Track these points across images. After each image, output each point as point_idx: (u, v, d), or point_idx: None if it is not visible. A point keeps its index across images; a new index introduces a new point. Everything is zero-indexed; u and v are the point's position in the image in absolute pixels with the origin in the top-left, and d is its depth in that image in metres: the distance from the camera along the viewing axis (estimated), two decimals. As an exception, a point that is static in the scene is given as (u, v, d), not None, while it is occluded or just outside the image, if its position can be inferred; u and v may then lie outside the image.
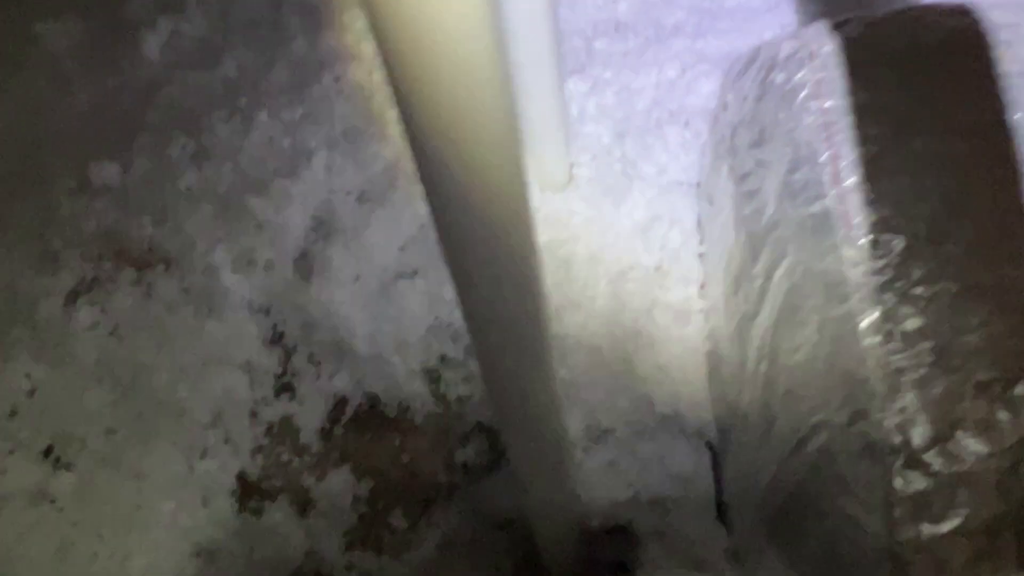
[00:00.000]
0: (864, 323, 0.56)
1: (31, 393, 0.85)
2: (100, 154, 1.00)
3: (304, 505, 0.94)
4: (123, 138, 1.02)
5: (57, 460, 0.83)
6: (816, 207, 0.61)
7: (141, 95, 1.04)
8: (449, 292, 1.02)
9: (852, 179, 0.59)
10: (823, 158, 0.61)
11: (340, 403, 1.00)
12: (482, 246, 0.39)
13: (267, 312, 1.00)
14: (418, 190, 0.85)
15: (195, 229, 0.97)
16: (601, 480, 1.00)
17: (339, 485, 0.96)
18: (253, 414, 0.93)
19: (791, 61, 0.67)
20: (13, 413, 0.84)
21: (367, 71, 1.07)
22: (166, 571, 0.79)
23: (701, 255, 0.99)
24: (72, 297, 0.92)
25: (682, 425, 0.94)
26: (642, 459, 0.97)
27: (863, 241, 0.57)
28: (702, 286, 0.98)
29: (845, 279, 0.57)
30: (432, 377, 1.04)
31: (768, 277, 0.69)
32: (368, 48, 1.07)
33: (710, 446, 0.96)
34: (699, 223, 1.01)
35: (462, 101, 0.30)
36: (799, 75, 0.65)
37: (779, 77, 0.68)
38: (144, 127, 1.02)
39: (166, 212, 0.98)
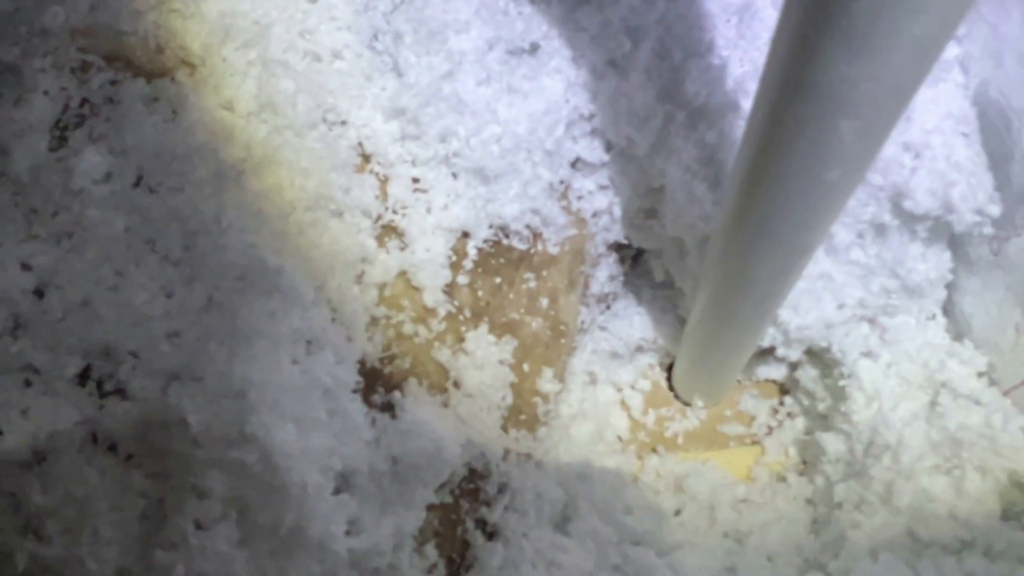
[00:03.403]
0: None
1: (38, 294, 0.53)
2: None
3: (444, 388, 0.69)
4: None
5: (100, 389, 0.54)
6: None
7: None
8: (591, 71, 0.72)
9: None
10: None
11: (461, 241, 0.72)
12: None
13: (343, 123, 0.67)
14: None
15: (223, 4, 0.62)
16: (806, 297, 0.78)
17: (480, 353, 0.71)
18: (359, 276, 0.65)
19: None
20: (15, 326, 0.53)
21: None
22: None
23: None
24: (61, 134, 0.57)
25: (939, 222, 0.71)
26: (864, 267, 0.76)
27: None
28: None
29: None
30: (564, 190, 0.77)
31: None
32: None
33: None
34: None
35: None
36: None
37: None
38: None
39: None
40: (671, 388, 1.01)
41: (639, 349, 0.98)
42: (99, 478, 0.52)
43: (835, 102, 0.39)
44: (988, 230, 0.70)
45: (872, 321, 0.81)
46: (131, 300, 0.55)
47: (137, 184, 0.58)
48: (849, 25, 0.35)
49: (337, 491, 0.58)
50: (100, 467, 0.53)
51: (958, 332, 0.80)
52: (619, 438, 0.99)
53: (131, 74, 0.62)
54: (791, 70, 0.40)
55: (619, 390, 1.00)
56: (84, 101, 0.60)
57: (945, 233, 0.74)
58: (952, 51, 0.70)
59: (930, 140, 0.68)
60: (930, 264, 0.75)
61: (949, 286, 0.79)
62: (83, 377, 0.54)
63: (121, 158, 0.58)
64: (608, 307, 0.94)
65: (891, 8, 0.34)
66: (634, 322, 0.95)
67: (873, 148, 0.44)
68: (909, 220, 0.72)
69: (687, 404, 1.00)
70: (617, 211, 0.81)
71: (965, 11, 0.35)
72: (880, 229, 0.74)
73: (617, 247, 0.87)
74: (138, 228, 0.56)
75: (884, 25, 0.34)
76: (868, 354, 0.82)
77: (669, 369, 1.01)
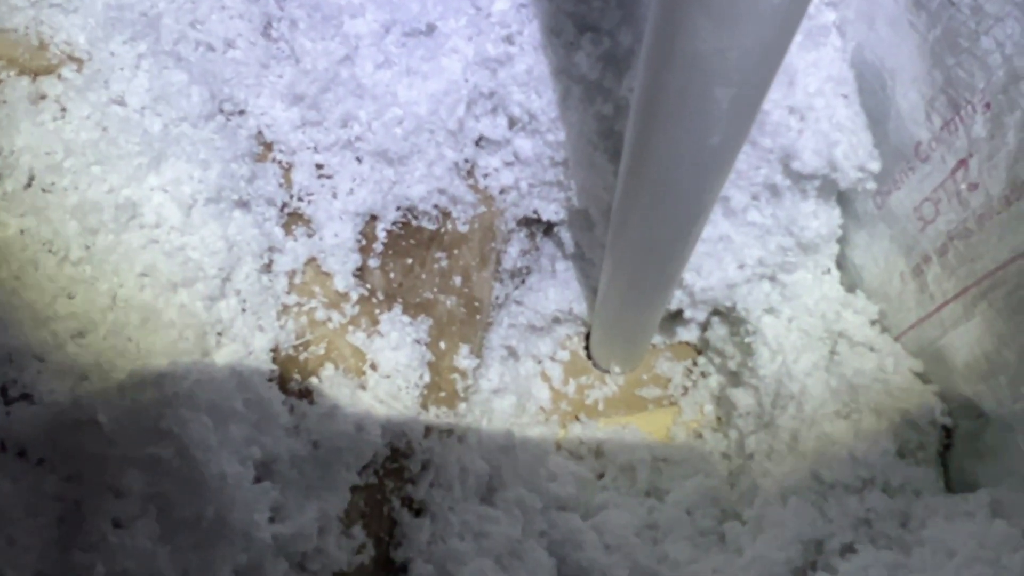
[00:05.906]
0: None
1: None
2: None
3: (361, 371, 0.69)
4: None
5: (4, 395, 0.53)
6: None
7: None
8: (489, 49, 0.73)
9: None
10: None
11: (370, 224, 0.73)
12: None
13: (242, 112, 0.67)
14: None
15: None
16: (707, 260, 0.81)
17: (395, 334, 0.72)
18: (268, 265, 0.65)
19: None
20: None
21: None
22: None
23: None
24: (-58, 135, 0.55)
25: (826, 180, 0.75)
26: (761, 227, 0.79)
27: None
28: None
29: None
30: (470, 168, 0.78)
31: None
32: None
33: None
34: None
35: None
36: None
37: None
38: None
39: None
40: (589, 357, 1.04)
41: (556, 320, 1.00)
42: (11, 485, 0.52)
43: (708, 71, 0.41)
44: (870, 185, 0.74)
45: (772, 279, 0.85)
46: (32, 303, 0.54)
47: (29, 185, 0.56)
48: (713, -3, 0.37)
49: (258, 479, 0.59)
50: (11, 474, 0.52)
51: (851, 284, 0.84)
52: (541, 408, 1.01)
53: (15, 72, 0.60)
54: (666, 42, 0.42)
55: (539, 362, 1.03)
56: (-33, 103, 0.58)
57: (833, 191, 0.78)
58: (829, 16, 0.74)
59: (813, 103, 0.71)
60: (821, 221, 0.79)
61: (840, 241, 0.83)
62: (-14, 385, 0.53)
63: (10, 159, 0.56)
64: (523, 281, 0.96)
65: (749, -20, 0.36)
66: (549, 295, 0.97)
67: (750, 113, 0.46)
68: (799, 180, 0.75)
69: (606, 371, 1.03)
70: (524, 186, 0.83)
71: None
72: (773, 190, 0.77)
73: (527, 222, 0.88)
74: (34, 230, 0.55)
75: (745, -4, 0.37)
76: (770, 310, 0.86)
77: (587, 338, 1.03)
